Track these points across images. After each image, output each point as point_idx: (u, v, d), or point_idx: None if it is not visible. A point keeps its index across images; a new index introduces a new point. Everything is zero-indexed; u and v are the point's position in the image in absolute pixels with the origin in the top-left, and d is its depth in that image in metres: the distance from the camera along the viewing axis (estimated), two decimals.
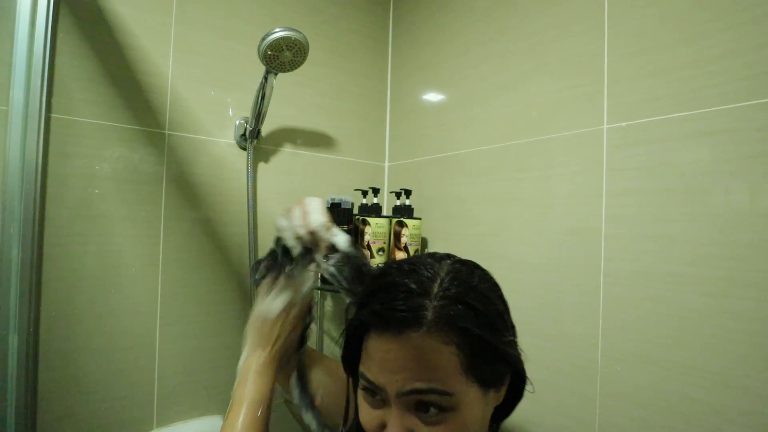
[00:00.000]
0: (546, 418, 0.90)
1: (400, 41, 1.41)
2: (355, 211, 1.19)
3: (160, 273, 1.03)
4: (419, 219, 1.17)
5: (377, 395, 0.45)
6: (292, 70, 1.01)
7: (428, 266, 0.47)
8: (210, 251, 1.10)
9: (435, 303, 0.44)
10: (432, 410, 0.43)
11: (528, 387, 0.52)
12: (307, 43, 0.95)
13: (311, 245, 0.60)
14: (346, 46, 1.34)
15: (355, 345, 0.48)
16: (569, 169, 0.89)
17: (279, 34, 0.92)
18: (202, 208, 1.09)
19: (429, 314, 0.43)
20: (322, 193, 1.23)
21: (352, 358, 0.50)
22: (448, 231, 1.18)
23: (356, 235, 1.16)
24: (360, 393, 0.48)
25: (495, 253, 1.04)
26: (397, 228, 1.15)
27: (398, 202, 1.20)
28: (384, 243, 1.14)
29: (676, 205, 0.73)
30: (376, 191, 1.19)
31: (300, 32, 0.94)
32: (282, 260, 0.62)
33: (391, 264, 0.49)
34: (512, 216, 1.00)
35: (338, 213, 1.12)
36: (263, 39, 0.93)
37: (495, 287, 0.51)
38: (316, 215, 0.59)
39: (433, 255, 0.52)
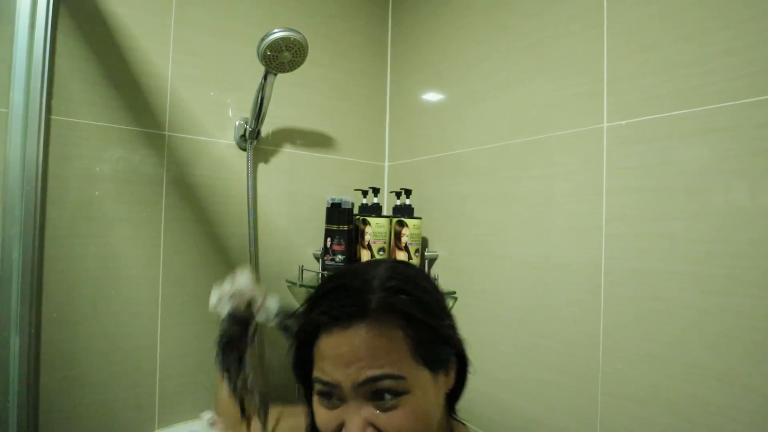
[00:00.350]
0: (547, 417, 0.90)
1: (400, 41, 1.41)
2: (356, 211, 1.19)
3: (160, 274, 1.03)
4: (419, 219, 1.17)
5: (333, 396, 0.47)
6: (291, 70, 1.01)
7: (369, 268, 0.52)
8: (210, 252, 1.10)
9: (378, 295, 0.47)
10: (387, 396, 0.45)
11: (470, 368, 0.55)
12: (307, 43, 0.95)
13: (246, 303, 0.70)
14: (346, 46, 1.34)
15: (306, 352, 0.50)
16: (569, 168, 0.89)
17: (278, 34, 0.92)
18: (202, 209, 1.10)
19: (373, 305, 0.46)
20: (322, 193, 1.23)
21: (304, 366, 0.51)
22: (449, 230, 1.18)
23: (356, 235, 1.16)
24: (315, 400, 0.49)
25: (495, 252, 1.03)
26: (398, 228, 1.15)
27: (398, 202, 1.20)
28: (384, 243, 1.14)
29: (677, 203, 0.72)
30: (376, 191, 1.19)
31: (299, 32, 0.94)
32: (230, 331, 0.72)
33: (335, 271, 0.53)
34: (512, 215, 1.00)
35: (338, 213, 1.13)
36: (262, 39, 0.93)
37: (430, 279, 0.56)
38: (242, 278, 0.70)
39: (371, 261, 0.57)
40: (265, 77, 1.02)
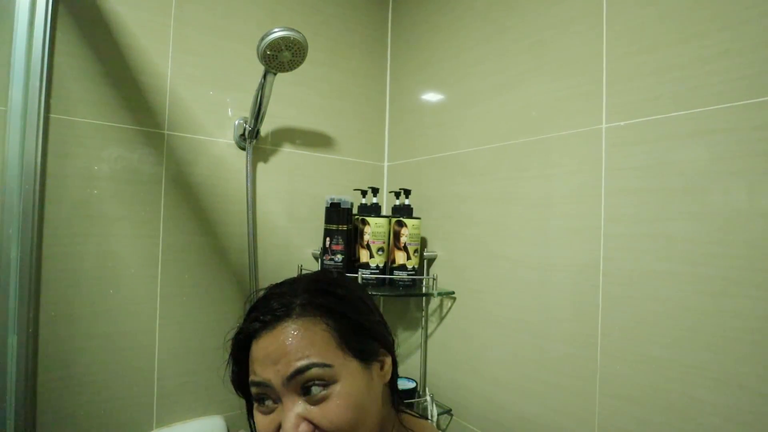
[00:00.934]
0: (546, 417, 0.90)
1: (400, 41, 1.41)
2: (355, 210, 1.19)
3: (159, 273, 1.03)
4: (419, 219, 1.17)
5: (267, 399, 0.48)
6: (291, 69, 1.01)
7: (295, 279, 0.56)
8: (209, 251, 1.10)
9: (301, 297, 0.50)
10: (315, 389, 0.46)
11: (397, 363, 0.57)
12: (306, 43, 0.95)
13: None
14: (346, 46, 1.34)
15: (243, 365, 0.52)
16: (568, 169, 0.89)
17: (278, 34, 0.92)
18: (201, 208, 1.09)
19: (296, 304, 0.50)
20: (322, 193, 1.23)
21: (242, 379, 0.52)
22: (448, 230, 1.18)
23: (356, 234, 1.16)
24: (255, 409, 0.50)
25: (494, 252, 1.04)
26: (397, 228, 1.15)
27: (398, 202, 1.20)
28: (383, 243, 1.14)
29: (675, 204, 0.73)
30: (375, 191, 1.19)
31: (299, 32, 0.94)
32: None
33: (266, 288, 0.56)
34: (511, 215, 1.00)
35: (337, 213, 1.12)
36: (262, 39, 0.93)
37: (354, 282, 0.60)
38: None
39: (299, 275, 0.61)
40: (264, 77, 1.02)
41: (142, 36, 1.01)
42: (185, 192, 1.07)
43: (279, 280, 0.56)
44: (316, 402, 0.46)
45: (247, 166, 1.13)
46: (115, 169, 0.98)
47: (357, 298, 0.54)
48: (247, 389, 0.51)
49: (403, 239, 1.14)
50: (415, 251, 1.15)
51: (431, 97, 1.27)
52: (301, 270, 1.23)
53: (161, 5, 1.04)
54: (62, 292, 0.92)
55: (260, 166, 1.19)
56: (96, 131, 0.96)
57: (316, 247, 1.24)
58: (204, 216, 1.10)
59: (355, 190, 1.25)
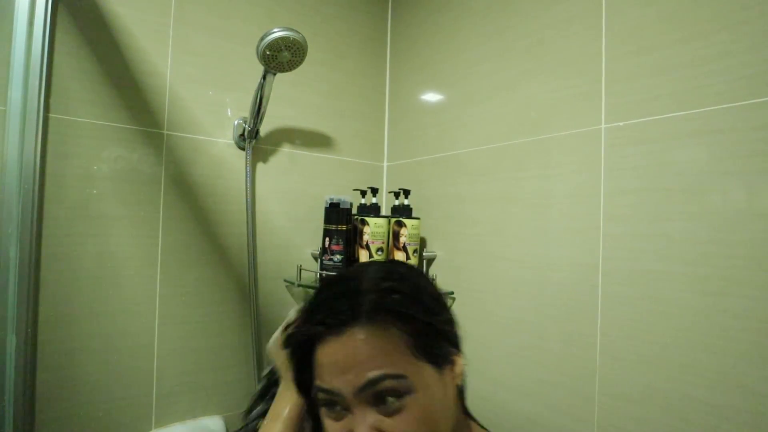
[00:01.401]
0: (545, 417, 0.90)
1: (399, 41, 1.41)
2: (354, 211, 1.19)
3: (158, 273, 1.02)
4: (418, 219, 1.17)
5: (337, 405, 0.45)
6: (290, 70, 1.01)
7: (359, 272, 0.51)
8: (208, 251, 1.10)
9: (369, 297, 0.46)
10: (390, 399, 0.43)
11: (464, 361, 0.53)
12: (306, 43, 0.95)
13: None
14: (345, 46, 1.34)
15: (306, 366, 0.49)
16: (568, 169, 0.89)
17: (277, 34, 0.92)
18: (200, 208, 1.09)
19: (365, 307, 0.45)
20: (321, 193, 1.23)
21: (306, 380, 0.50)
22: (447, 231, 1.18)
23: (355, 235, 1.16)
24: (322, 413, 0.48)
25: (494, 252, 1.04)
26: (396, 228, 1.15)
27: (397, 202, 1.20)
28: (383, 243, 1.14)
29: (674, 204, 0.73)
30: (374, 191, 1.19)
31: (298, 32, 0.94)
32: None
33: (323, 279, 0.52)
34: (511, 216, 1.00)
35: (337, 213, 1.12)
36: (262, 39, 0.93)
37: (423, 275, 0.54)
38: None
39: (363, 264, 0.55)
40: (264, 77, 1.02)
41: (141, 36, 1.01)
42: (184, 192, 1.07)
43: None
44: (390, 413, 0.43)
45: (246, 166, 1.13)
46: (114, 169, 0.98)
47: (429, 296, 0.50)
48: (306, 389, 0.48)
49: (402, 239, 1.14)
50: (415, 251, 1.15)
51: (431, 97, 1.27)
52: (300, 271, 1.23)
53: (161, 5, 1.04)
54: (61, 292, 0.91)
55: (260, 166, 1.19)
56: (95, 131, 0.96)
57: (316, 247, 1.24)
58: (203, 216, 1.10)
59: (354, 190, 1.25)
